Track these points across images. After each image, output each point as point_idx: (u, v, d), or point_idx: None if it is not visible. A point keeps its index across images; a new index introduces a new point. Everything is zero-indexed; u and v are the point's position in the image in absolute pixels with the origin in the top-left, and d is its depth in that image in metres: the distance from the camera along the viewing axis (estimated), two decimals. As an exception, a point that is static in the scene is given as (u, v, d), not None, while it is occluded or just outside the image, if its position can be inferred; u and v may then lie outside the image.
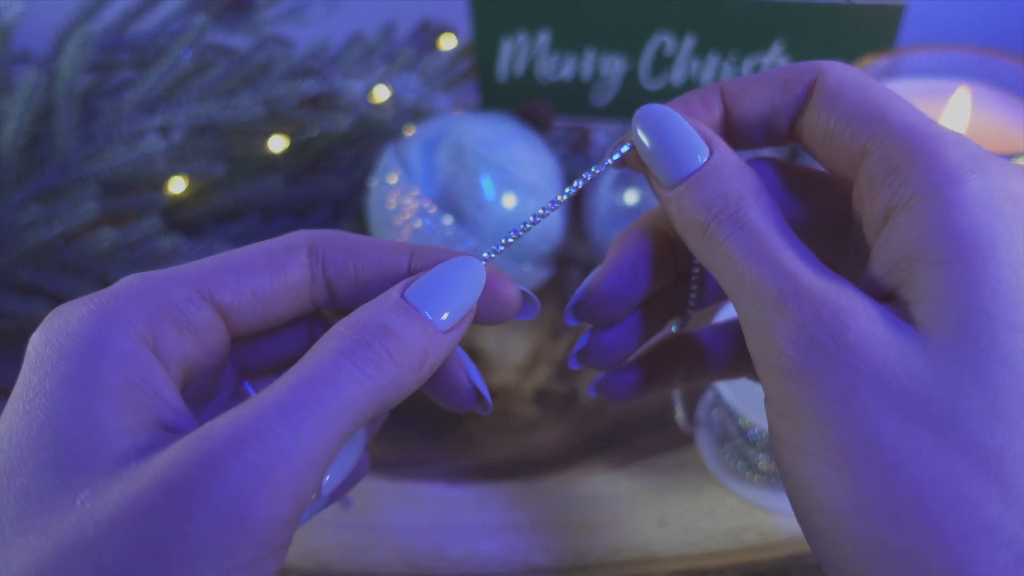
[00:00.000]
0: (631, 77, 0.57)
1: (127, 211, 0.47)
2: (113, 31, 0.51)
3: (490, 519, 0.40)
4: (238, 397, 0.25)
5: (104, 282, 0.45)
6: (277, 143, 0.51)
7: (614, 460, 0.42)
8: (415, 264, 0.23)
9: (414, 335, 0.21)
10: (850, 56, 0.51)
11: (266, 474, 0.18)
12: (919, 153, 0.19)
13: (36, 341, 0.21)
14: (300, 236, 0.24)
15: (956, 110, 0.42)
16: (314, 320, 0.26)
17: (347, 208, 0.54)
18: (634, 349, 0.27)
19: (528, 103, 0.55)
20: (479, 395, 0.24)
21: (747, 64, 0.54)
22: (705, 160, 0.22)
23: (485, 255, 0.24)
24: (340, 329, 0.21)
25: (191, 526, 0.18)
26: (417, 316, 0.21)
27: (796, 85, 0.23)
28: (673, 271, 0.26)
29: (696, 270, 0.26)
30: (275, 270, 0.23)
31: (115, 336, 0.20)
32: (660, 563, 0.38)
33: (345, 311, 0.23)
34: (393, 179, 0.46)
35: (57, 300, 0.45)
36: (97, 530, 0.18)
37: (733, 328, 0.28)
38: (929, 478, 0.18)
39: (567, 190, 0.24)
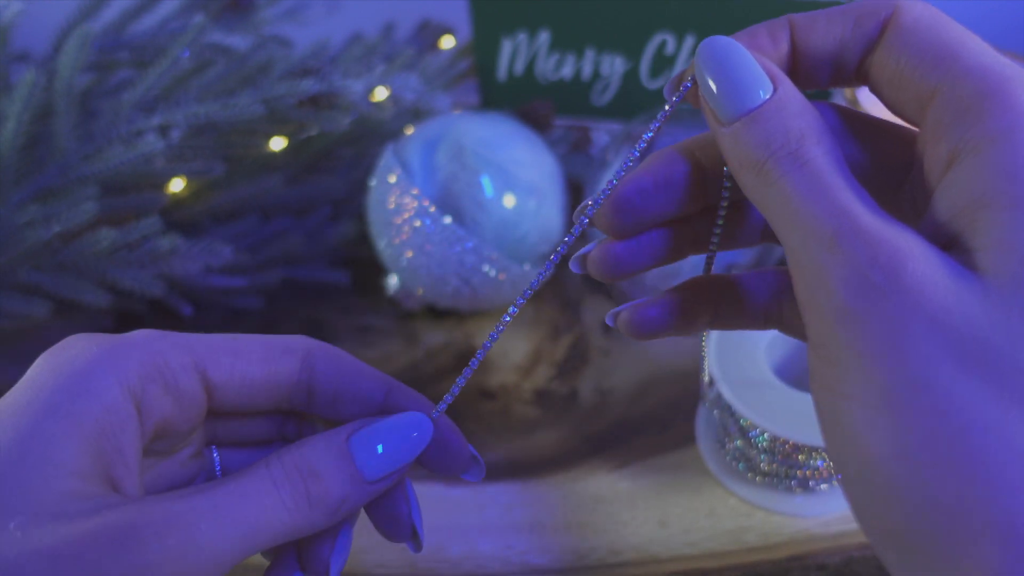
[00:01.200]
0: (631, 77, 0.57)
1: (126, 211, 0.47)
2: (112, 31, 0.51)
3: (490, 519, 0.40)
4: (198, 458, 0.27)
5: (103, 282, 0.45)
6: (276, 143, 0.51)
7: (614, 460, 0.42)
8: (389, 399, 0.26)
9: (339, 483, 0.23)
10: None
11: (178, 563, 0.20)
12: (992, 95, 0.19)
13: (41, 364, 0.23)
14: (300, 342, 0.26)
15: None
16: (287, 416, 0.28)
17: (347, 208, 0.54)
18: (642, 267, 0.25)
19: (528, 103, 0.55)
20: (414, 532, 0.27)
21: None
22: (768, 96, 0.21)
23: (436, 411, 0.25)
24: (282, 457, 0.23)
25: None
26: (349, 465, 0.24)
27: (869, 20, 0.22)
28: (699, 203, 0.25)
29: (724, 209, 0.25)
30: (268, 364, 0.25)
31: (108, 385, 0.22)
32: (660, 563, 0.38)
33: (316, 416, 0.26)
34: (393, 179, 0.46)
35: (56, 300, 0.45)
36: (18, 558, 0.19)
37: (772, 276, 0.27)
38: (980, 425, 0.17)
39: (642, 141, 0.24)
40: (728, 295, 0.26)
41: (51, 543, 0.19)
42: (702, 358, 0.36)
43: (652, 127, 0.24)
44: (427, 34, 0.62)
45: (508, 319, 0.25)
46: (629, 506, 0.40)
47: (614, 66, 0.57)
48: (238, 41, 0.53)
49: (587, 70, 0.57)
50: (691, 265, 0.30)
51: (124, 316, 0.51)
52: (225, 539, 0.21)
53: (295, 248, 0.51)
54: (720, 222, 0.25)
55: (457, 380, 0.25)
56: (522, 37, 0.56)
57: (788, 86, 0.21)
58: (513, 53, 0.57)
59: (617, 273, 0.25)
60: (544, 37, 0.56)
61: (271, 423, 0.28)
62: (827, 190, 0.20)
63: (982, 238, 0.18)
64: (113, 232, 0.43)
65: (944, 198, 0.20)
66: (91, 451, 0.21)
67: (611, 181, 0.24)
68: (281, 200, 0.52)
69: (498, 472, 0.42)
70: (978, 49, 0.20)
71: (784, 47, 0.23)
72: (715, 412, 0.42)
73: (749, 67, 0.22)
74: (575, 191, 0.53)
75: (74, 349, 0.23)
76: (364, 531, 0.39)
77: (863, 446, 0.18)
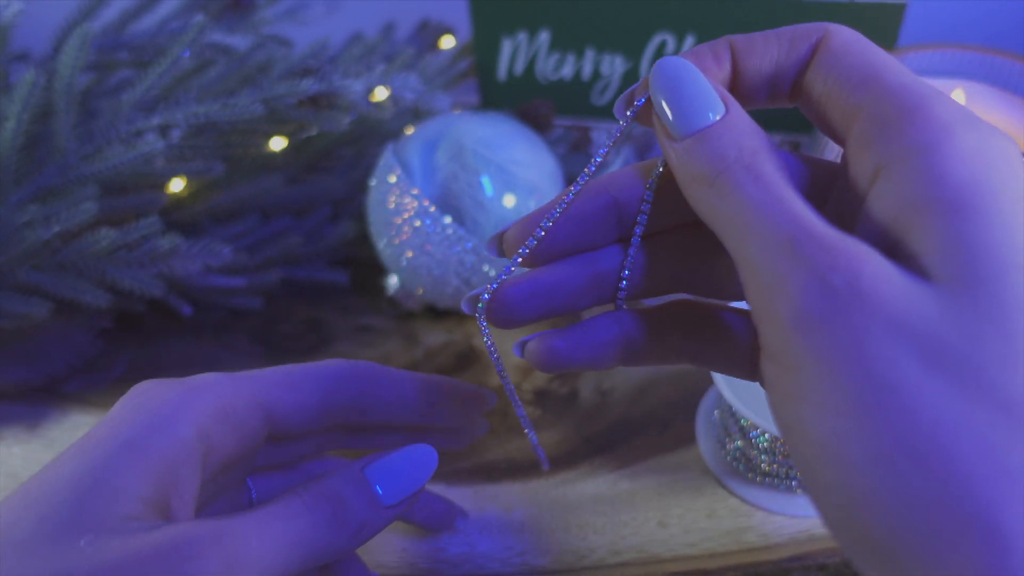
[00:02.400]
0: (631, 77, 0.57)
1: (126, 211, 0.47)
2: (112, 30, 0.51)
3: (490, 519, 0.40)
4: (240, 488, 0.31)
5: (103, 282, 0.45)
6: (277, 143, 0.50)
7: (614, 460, 0.42)
8: (423, 400, 0.30)
9: (360, 508, 0.26)
10: (850, 56, 0.51)
11: (232, 570, 0.23)
12: (913, 110, 0.20)
13: (122, 403, 0.26)
14: (344, 369, 0.30)
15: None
16: (332, 432, 0.31)
17: (347, 208, 0.54)
18: (544, 307, 0.25)
19: (528, 103, 0.55)
20: (460, 512, 0.32)
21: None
22: (719, 117, 0.22)
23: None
24: (310, 487, 0.26)
25: None
26: (367, 491, 0.27)
27: (802, 43, 0.23)
28: (609, 237, 0.25)
29: (632, 250, 0.25)
30: (319, 393, 0.29)
31: (180, 423, 0.25)
32: (660, 564, 0.37)
33: (368, 424, 0.30)
34: (393, 178, 0.46)
35: (56, 300, 0.45)
36: (90, 571, 0.21)
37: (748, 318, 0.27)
38: (950, 424, 0.17)
39: (591, 164, 0.25)
40: (707, 327, 0.26)
41: (118, 556, 0.22)
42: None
43: (605, 145, 0.24)
44: (427, 34, 0.62)
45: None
46: (629, 506, 0.40)
47: (614, 66, 0.57)
48: (238, 41, 0.53)
49: (587, 70, 0.57)
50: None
51: (124, 316, 0.51)
52: (271, 552, 0.24)
53: (295, 248, 0.51)
54: (627, 268, 0.25)
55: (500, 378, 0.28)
56: (522, 37, 0.56)
57: (738, 108, 0.22)
58: (513, 53, 0.57)
59: (505, 318, 0.26)
60: (544, 37, 0.56)
61: (314, 442, 0.31)
62: (782, 200, 0.20)
63: (922, 243, 0.19)
64: (113, 232, 0.43)
65: (875, 208, 0.20)
66: (154, 482, 0.24)
67: (562, 203, 0.24)
68: (281, 200, 0.52)
69: (498, 472, 0.42)
70: (899, 70, 0.21)
71: (727, 67, 0.24)
72: (715, 412, 0.42)
73: (702, 88, 0.22)
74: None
75: (151, 393, 0.26)
76: (364, 531, 0.39)
77: (835, 452, 0.18)
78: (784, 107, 0.25)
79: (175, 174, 0.48)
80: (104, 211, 0.45)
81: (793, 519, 0.39)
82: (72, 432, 0.46)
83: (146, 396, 0.26)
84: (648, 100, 0.23)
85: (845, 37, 0.22)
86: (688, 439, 0.43)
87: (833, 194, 0.24)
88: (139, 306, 0.49)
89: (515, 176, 0.46)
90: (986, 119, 0.42)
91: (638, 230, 0.25)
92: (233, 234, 0.50)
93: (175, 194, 0.49)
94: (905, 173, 0.19)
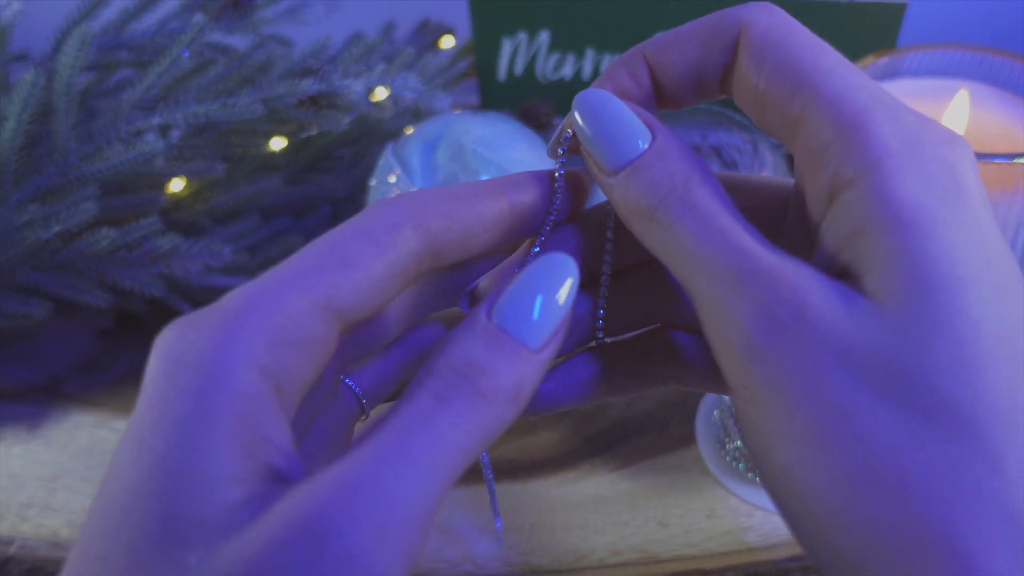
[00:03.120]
0: (631, 77, 0.57)
1: (126, 211, 0.47)
2: (112, 30, 0.51)
3: (490, 519, 0.40)
4: (336, 396, 0.24)
5: (103, 282, 0.45)
6: (277, 143, 0.50)
7: (614, 461, 0.42)
8: (511, 204, 0.23)
9: (505, 367, 0.20)
10: (851, 56, 0.51)
11: (383, 527, 0.18)
12: (851, 129, 0.19)
13: (153, 370, 0.20)
14: (398, 210, 0.22)
15: (956, 111, 0.42)
16: (419, 285, 0.24)
17: (347, 208, 0.54)
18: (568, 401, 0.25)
19: (528, 103, 0.55)
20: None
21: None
22: (647, 145, 0.21)
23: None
24: (432, 369, 0.20)
25: None
26: (507, 342, 0.20)
27: (718, 42, 0.22)
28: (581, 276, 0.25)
29: (603, 290, 0.25)
30: (384, 255, 0.21)
31: (234, 369, 0.19)
32: (661, 564, 0.37)
33: (450, 266, 0.23)
34: (393, 178, 0.46)
35: (56, 300, 0.45)
36: None
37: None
38: (906, 445, 0.17)
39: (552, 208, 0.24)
40: (688, 351, 0.26)
41: (240, 560, 0.17)
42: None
43: (558, 188, 0.24)
44: (427, 34, 0.62)
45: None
46: (629, 506, 0.40)
47: (614, 66, 0.57)
48: (238, 41, 0.53)
49: (587, 70, 0.57)
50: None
51: (124, 316, 0.51)
52: (416, 482, 0.18)
53: (295, 248, 0.51)
54: (602, 305, 0.25)
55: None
56: (522, 37, 0.56)
57: (665, 133, 0.22)
58: (513, 53, 0.57)
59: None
60: (544, 37, 0.56)
61: (403, 308, 0.24)
62: (721, 231, 0.20)
63: (867, 263, 0.19)
64: (113, 232, 0.43)
65: (829, 231, 0.20)
66: (240, 449, 0.19)
67: (537, 246, 0.24)
68: (281, 200, 0.52)
69: (498, 472, 0.42)
70: (832, 70, 0.20)
71: (645, 81, 0.23)
72: (715, 412, 0.42)
73: (625, 118, 0.22)
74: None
75: (184, 343, 0.19)
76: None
77: (800, 481, 0.19)
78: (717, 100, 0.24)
79: (175, 174, 0.48)
80: (104, 211, 0.45)
81: (793, 519, 0.39)
82: (72, 432, 0.46)
83: (182, 349, 0.19)
84: (574, 136, 0.23)
85: (764, 30, 0.21)
86: (688, 439, 0.43)
87: (791, 215, 0.23)
88: (139, 306, 0.49)
89: (515, 176, 0.46)
90: (986, 119, 0.42)
91: (605, 268, 0.25)
92: (233, 234, 0.50)
93: (175, 194, 0.49)
94: (852, 196, 0.19)
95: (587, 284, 0.25)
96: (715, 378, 0.24)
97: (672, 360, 0.26)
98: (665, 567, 0.37)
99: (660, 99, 0.24)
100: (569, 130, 0.23)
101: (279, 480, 0.19)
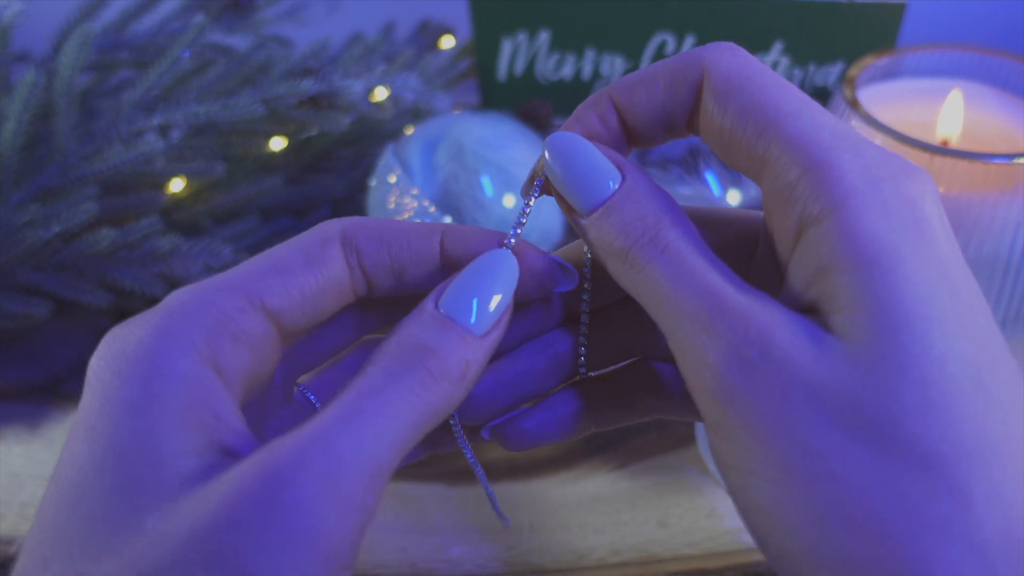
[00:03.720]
0: (631, 77, 0.57)
1: (126, 211, 0.47)
2: (112, 31, 0.51)
3: (490, 519, 0.40)
4: (290, 402, 0.25)
5: (103, 282, 0.45)
6: (277, 143, 0.51)
7: (614, 460, 0.42)
8: (447, 245, 0.24)
9: (453, 348, 0.21)
10: (850, 56, 0.51)
11: (333, 484, 0.18)
12: (815, 170, 0.20)
13: (95, 367, 0.21)
14: (333, 227, 0.23)
15: (950, 112, 0.42)
16: (364, 309, 0.26)
17: (347, 208, 0.54)
18: (511, 398, 0.25)
19: (528, 103, 0.55)
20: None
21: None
22: (618, 186, 0.22)
23: (511, 236, 0.24)
24: (383, 350, 0.21)
25: (265, 540, 0.18)
26: (453, 327, 0.22)
27: (682, 86, 0.22)
28: (550, 321, 0.26)
29: (584, 328, 0.25)
30: (316, 267, 0.23)
31: (175, 357, 0.20)
32: (660, 564, 0.38)
33: (385, 300, 0.24)
34: (393, 179, 0.46)
35: (56, 300, 0.45)
36: (171, 551, 0.18)
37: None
38: (875, 483, 0.18)
39: (510, 236, 0.24)
40: (671, 383, 0.26)
41: (196, 523, 0.18)
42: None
43: (518, 223, 0.24)
44: (427, 34, 0.62)
45: (518, 231, 0.25)
46: (629, 506, 0.40)
47: (614, 66, 0.57)
48: (238, 41, 0.53)
49: (587, 70, 0.57)
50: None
51: (124, 316, 0.51)
52: (368, 445, 0.19)
53: (295, 248, 0.51)
54: (583, 341, 0.25)
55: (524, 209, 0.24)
56: (522, 37, 0.56)
57: (635, 173, 0.22)
58: (513, 53, 0.57)
59: (475, 415, 0.25)
60: (544, 37, 0.56)
61: (347, 325, 0.25)
62: (691, 273, 0.20)
63: (833, 301, 0.19)
64: (113, 232, 0.44)
65: (797, 268, 0.20)
66: (191, 427, 0.19)
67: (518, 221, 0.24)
68: (281, 200, 0.52)
69: (498, 472, 0.42)
70: (795, 111, 0.20)
71: (614, 123, 0.23)
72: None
73: (594, 160, 0.22)
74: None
75: (122, 340, 0.21)
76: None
77: (775, 519, 0.19)
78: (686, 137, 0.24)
79: (175, 174, 0.48)
80: (104, 211, 0.45)
81: (793, 519, 0.39)
82: (72, 432, 0.46)
83: (120, 343, 0.20)
84: (547, 179, 0.23)
85: (725, 72, 0.21)
86: (688, 439, 0.43)
87: (761, 248, 0.23)
88: (139, 306, 0.49)
89: (515, 176, 0.46)
90: (985, 119, 0.42)
91: (584, 307, 0.25)
92: (233, 234, 0.50)
93: (175, 194, 0.49)
94: (817, 235, 0.19)
95: (568, 322, 0.26)
96: (696, 410, 0.25)
97: (655, 391, 0.26)
98: (665, 567, 0.37)
99: (631, 139, 0.24)
100: (542, 173, 0.23)
101: (232, 456, 0.20)
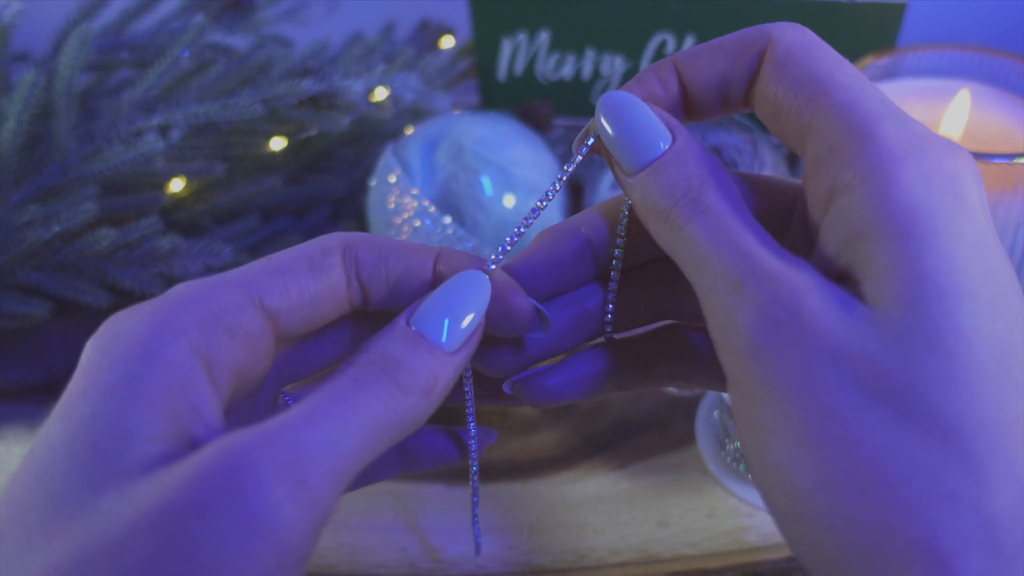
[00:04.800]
0: (631, 77, 0.57)
1: (126, 211, 0.47)
2: (112, 31, 0.51)
3: (490, 519, 0.40)
4: (276, 409, 0.25)
5: (103, 282, 0.45)
6: (277, 143, 0.51)
7: (614, 460, 0.42)
8: (440, 266, 0.24)
9: (421, 363, 0.22)
10: (851, 56, 0.51)
11: (296, 474, 0.18)
12: (858, 134, 0.20)
13: (89, 348, 0.21)
14: (335, 238, 0.24)
15: (956, 111, 0.42)
16: (357, 320, 0.26)
17: (347, 208, 0.54)
18: (537, 351, 0.26)
19: (528, 103, 0.55)
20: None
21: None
22: (667, 147, 0.22)
23: (492, 260, 0.24)
24: (353, 361, 0.22)
25: (217, 524, 0.18)
26: (423, 343, 0.22)
27: (747, 54, 0.23)
28: (586, 276, 0.26)
29: (613, 285, 0.25)
30: (317, 273, 0.23)
31: (165, 343, 0.20)
32: (660, 563, 0.38)
33: (377, 313, 0.24)
34: (393, 179, 0.46)
35: (56, 300, 0.45)
36: (120, 532, 0.18)
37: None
38: (891, 450, 0.18)
39: (549, 191, 0.24)
40: (694, 350, 0.26)
41: (152, 500, 0.18)
42: None
43: (560, 179, 0.24)
44: (427, 34, 0.62)
45: (500, 258, 0.25)
46: (629, 506, 0.40)
47: (614, 66, 0.57)
48: (238, 41, 0.53)
49: (587, 70, 0.57)
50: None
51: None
52: (335, 442, 0.19)
53: (295, 248, 0.51)
54: (611, 302, 0.26)
55: (505, 243, 0.24)
56: (522, 37, 0.56)
57: (685, 136, 0.22)
58: (513, 53, 0.57)
59: (499, 366, 0.25)
60: (544, 37, 0.56)
61: (341, 337, 0.26)
62: (729, 234, 0.20)
63: (865, 269, 0.19)
64: (113, 232, 0.44)
65: (828, 234, 0.20)
66: (165, 413, 0.20)
67: (518, 228, 0.25)
68: (281, 200, 0.52)
69: (498, 472, 0.42)
70: (847, 82, 0.21)
71: (674, 88, 0.24)
72: (715, 413, 0.42)
73: (647, 119, 0.22)
74: (575, 191, 0.53)
75: (119, 324, 0.21)
76: (364, 531, 0.39)
77: (788, 479, 0.19)
78: (741, 113, 0.25)
79: (175, 174, 0.48)
80: (104, 211, 0.45)
81: (793, 519, 0.39)
82: (72, 432, 0.46)
83: (116, 328, 0.21)
84: (599, 137, 0.23)
85: (788, 42, 0.22)
86: (688, 439, 0.43)
87: (797, 213, 0.24)
88: (139, 306, 0.49)
89: (515, 176, 0.46)
90: (986, 119, 0.42)
91: (615, 264, 0.25)
92: (233, 234, 0.50)
93: (175, 194, 0.49)
94: (852, 200, 0.20)
95: (600, 279, 0.26)
96: (720, 378, 0.25)
97: (680, 358, 0.26)
98: (665, 567, 0.37)
99: (687, 110, 0.24)
100: (594, 131, 0.24)
101: (198, 448, 0.19)
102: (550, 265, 0.25)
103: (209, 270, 0.47)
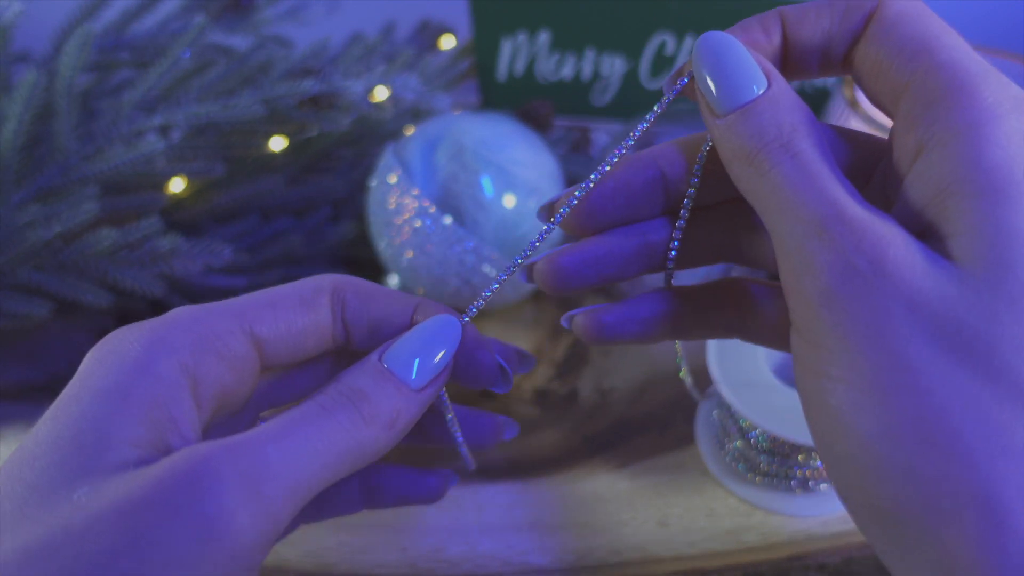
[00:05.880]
0: (631, 77, 0.57)
1: (127, 211, 0.47)
2: (112, 31, 0.51)
3: (490, 519, 0.40)
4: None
5: (104, 282, 0.45)
6: (277, 143, 0.51)
7: (614, 460, 0.42)
8: (417, 316, 0.26)
9: (386, 397, 0.23)
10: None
11: (255, 485, 0.20)
12: (957, 90, 0.20)
13: (88, 357, 0.23)
14: (326, 280, 0.26)
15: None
16: (338, 357, 0.28)
17: (347, 208, 0.54)
18: (587, 282, 0.26)
19: (528, 103, 0.55)
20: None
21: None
22: (762, 92, 0.22)
23: (467, 314, 0.26)
24: (327, 388, 0.23)
25: (176, 523, 0.19)
26: (391, 379, 0.24)
27: (855, 14, 0.23)
28: (655, 210, 0.26)
29: (682, 222, 0.25)
30: (306, 309, 0.25)
31: (157, 359, 0.22)
32: (660, 563, 0.38)
33: (357, 352, 0.26)
34: (393, 179, 0.46)
35: (57, 300, 0.45)
36: (86, 521, 0.19)
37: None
38: (959, 403, 0.18)
39: (629, 138, 0.24)
40: (752, 302, 0.26)
41: (120, 496, 0.19)
42: (679, 358, 0.36)
43: (647, 118, 0.24)
44: (427, 34, 0.63)
45: (474, 311, 0.26)
46: (629, 506, 0.40)
47: (614, 66, 0.57)
48: (238, 41, 0.53)
49: (587, 70, 0.57)
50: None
51: (125, 316, 0.51)
52: (294, 461, 0.21)
53: (295, 248, 0.51)
54: (677, 237, 0.25)
55: (482, 293, 0.26)
56: (522, 37, 0.56)
57: (781, 83, 0.22)
58: (513, 53, 0.57)
59: (560, 286, 0.26)
60: (544, 37, 0.56)
61: (321, 371, 0.28)
62: (816, 180, 0.20)
63: (953, 225, 0.19)
64: (114, 232, 0.44)
65: (914, 188, 0.21)
66: (145, 422, 0.21)
67: (597, 173, 0.25)
68: (281, 200, 0.52)
69: (498, 472, 0.42)
70: (953, 44, 0.21)
71: (776, 40, 0.24)
72: (715, 413, 0.42)
73: (745, 62, 0.22)
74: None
75: (117, 339, 0.23)
76: (364, 531, 0.39)
77: (849, 426, 0.19)
78: (837, 76, 0.24)
79: (175, 174, 0.48)
80: (105, 211, 0.45)
81: (792, 519, 0.39)
82: (73, 432, 0.46)
83: (115, 342, 0.23)
84: (692, 77, 0.23)
85: (899, 7, 0.22)
86: (688, 439, 0.43)
87: (879, 170, 0.24)
88: (140, 306, 0.49)
89: (515, 176, 0.46)
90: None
91: (686, 202, 0.25)
92: (234, 234, 0.50)
93: (175, 194, 0.49)
94: (943, 154, 0.20)
95: (667, 214, 0.26)
96: (776, 334, 0.25)
97: (739, 310, 0.26)
98: (665, 567, 0.37)
99: (785, 67, 0.24)
100: (687, 74, 0.23)
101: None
102: (620, 193, 0.25)
103: (209, 270, 0.47)
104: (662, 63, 0.56)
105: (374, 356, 0.24)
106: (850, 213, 0.20)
